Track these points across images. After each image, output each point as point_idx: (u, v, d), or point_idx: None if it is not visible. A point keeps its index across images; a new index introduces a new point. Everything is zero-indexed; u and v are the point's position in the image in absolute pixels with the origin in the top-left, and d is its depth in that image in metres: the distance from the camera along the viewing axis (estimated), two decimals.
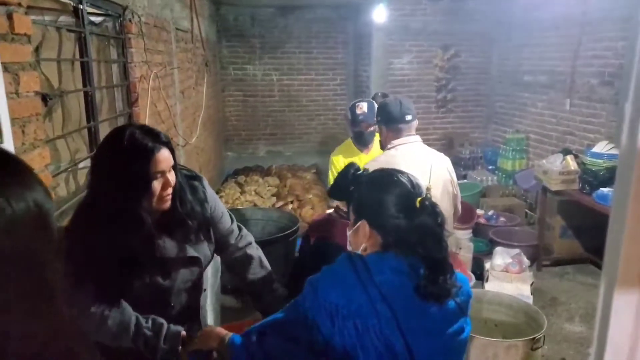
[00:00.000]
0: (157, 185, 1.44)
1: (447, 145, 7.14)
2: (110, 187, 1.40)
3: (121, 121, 2.66)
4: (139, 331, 1.48)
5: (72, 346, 0.52)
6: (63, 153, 2.00)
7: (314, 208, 5.89)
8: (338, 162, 3.55)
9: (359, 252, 1.32)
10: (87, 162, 2.14)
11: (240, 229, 1.84)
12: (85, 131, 2.18)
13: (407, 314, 1.21)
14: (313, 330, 1.27)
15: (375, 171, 1.40)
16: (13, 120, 1.36)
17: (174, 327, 1.52)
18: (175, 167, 1.50)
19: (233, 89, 7.64)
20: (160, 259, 1.54)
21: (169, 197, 1.49)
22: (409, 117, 2.45)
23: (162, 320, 1.53)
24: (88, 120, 2.19)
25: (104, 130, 2.39)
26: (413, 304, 1.22)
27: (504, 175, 6.21)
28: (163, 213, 1.52)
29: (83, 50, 2.17)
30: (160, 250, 1.54)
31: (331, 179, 3.40)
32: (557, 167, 4.38)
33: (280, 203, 5.90)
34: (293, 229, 4.38)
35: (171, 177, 1.47)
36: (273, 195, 6.20)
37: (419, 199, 1.26)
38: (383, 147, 2.55)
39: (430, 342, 1.24)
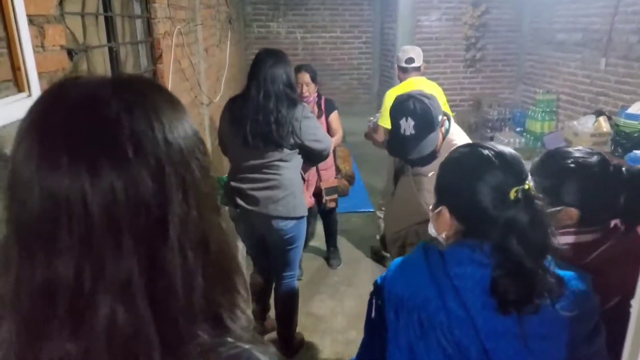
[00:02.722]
0: None
1: (474, 106, 6.98)
2: None
3: (141, 48, 2.66)
4: None
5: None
6: None
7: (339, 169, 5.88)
8: (390, 97, 3.39)
9: (442, 238, 1.17)
10: None
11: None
12: None
13: (487, 313, 1.00)
14: (381, 333, 1.15)
15: (463, 149, 1.18)
16: (40, 74, 1.36)
17: None
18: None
19: (257, 47, 7.52)
20: None
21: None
22: None
23: None
24: None
25: None
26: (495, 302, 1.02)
27: (532, 138, 6.07)
28: None
29: (106, 4, 2.14)
30: None
31: (384, 115, 3.35)
32: (589, 128, 4.26)
33: None
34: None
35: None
36: None
37: (514, 189, 1.03)
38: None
39: (516, 349, 1.02)
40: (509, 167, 1.07)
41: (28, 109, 0.55)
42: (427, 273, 1.07)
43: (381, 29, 7.53)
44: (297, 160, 2.55)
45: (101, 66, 2.08)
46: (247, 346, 0.59)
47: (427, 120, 1.80)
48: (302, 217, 2.59)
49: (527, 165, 1.13)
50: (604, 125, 4.26)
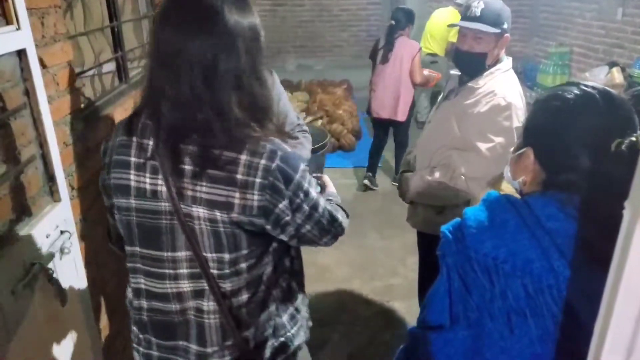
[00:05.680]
0: None
1: None
2: None
3: (145, 24, 2.59)
4: None
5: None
6: (87, 54, 1.97)
7: (344, 124, 5.82)
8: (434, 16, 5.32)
9: (517, 184, 1.06)
10: (112, 66, 2.11)
11: (300, 124, 2.15)
12: (109, 32, 2.13)
13: (588, 271, 0.89)
14: (460, 297, 0.97)
15: (562, 86, 1.03)
16: (30, 10, 1.32)
17: None
18: None
19: None
20: None
21: None
22: None
23: None
24: (111, 20, 2.13)
25: (127, 32, 2.34)
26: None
27: (542, 92, 5.94)
28: None
29: None
30: None
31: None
32: (601, 80, 4.15)
33: (310, 118, 5.85)
34: (322, 144, 4.38)
35: None
36: (302, 110, 6.13)
37: (619, 140, 0.87)
38: (487, 63, 1.93)
39: None
40: (615, 111, 0.93)
41: None
42: (525, 230, 0.92)
43: None
44: None
45: (97, 8, 2.03)
46: (276, 140, 1.06)
47: (494, 11, 1.86)
48: None
49: None
50: (617, 76, 4.15)
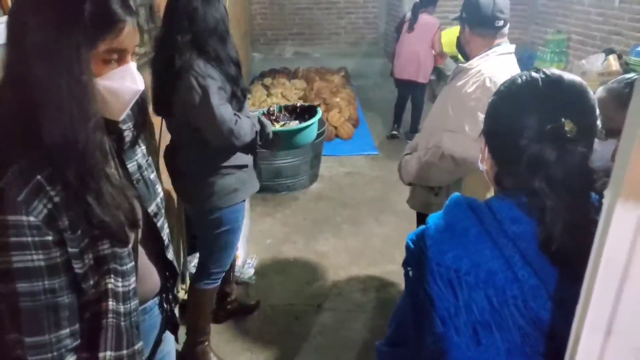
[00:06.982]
0: None
1: None
2: None
3: (141, 11, 2.59)
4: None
5: None
6: None
7: (341, 112, 5.83)
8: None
9: (485, 173, 1.03)
10: None
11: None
12: None
13: (557, 277, 0.85)
14: (424, 311, 0.92)
15: (524, 72, 0.98)
16: None
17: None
18: None
19: None
20: None
21: None
22: (500, 23, 1.95)
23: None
24: None
25: None
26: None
27: None
28: None
29: None
30: None
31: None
32: (598, 67, 4.15)
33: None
34: (319, 132, 4.40)
35: None
36: (300, 98, 6.13)
37: (550, 126, 0.85)
38: (465, 54, 2.09)
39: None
40: (556, 96, 0.89)
41: None
42: (486, 238, 0.88)
43: None
44: None
45: None
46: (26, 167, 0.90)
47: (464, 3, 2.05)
48: None
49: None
50: (614, 64, 4.15)
